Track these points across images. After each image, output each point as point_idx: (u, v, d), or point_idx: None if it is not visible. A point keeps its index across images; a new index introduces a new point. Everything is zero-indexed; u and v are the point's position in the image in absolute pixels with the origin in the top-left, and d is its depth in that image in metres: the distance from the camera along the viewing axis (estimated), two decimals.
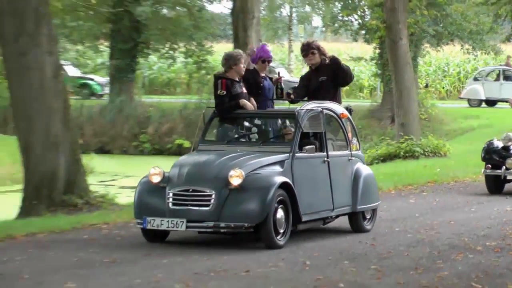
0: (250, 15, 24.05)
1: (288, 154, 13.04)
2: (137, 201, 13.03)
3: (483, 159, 20.57)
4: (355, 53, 59.93)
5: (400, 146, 31.20)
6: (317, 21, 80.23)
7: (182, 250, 13.06)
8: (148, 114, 52.54)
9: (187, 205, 12.50)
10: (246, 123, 13.97)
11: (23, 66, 18.21)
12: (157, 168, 13.12)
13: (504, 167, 19.44)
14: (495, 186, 20.24)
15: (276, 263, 11.90)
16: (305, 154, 13.28)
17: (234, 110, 13.87)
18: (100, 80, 56.96)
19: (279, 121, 14.24)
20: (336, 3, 53.09)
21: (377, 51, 47.86)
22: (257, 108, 14.03)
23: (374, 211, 15.29)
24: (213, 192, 12.37)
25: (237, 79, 13.71)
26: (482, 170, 20.26)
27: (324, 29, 73.97)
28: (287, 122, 13.82)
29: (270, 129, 14.15)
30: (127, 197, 23.24)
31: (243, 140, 13.91)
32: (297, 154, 13.15)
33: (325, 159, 13.72)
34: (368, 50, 53.89)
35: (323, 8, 65.35)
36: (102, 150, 49.46)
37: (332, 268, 11.74)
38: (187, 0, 52.62)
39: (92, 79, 57.64)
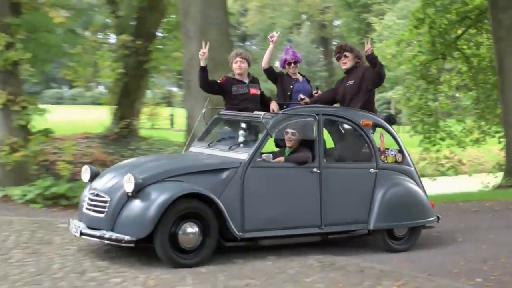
0: None
1: (240, 161, 9.29)
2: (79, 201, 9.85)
3: None
4: None
5: None
6: None
7: None
8: None
9: (90, 209, 9.13)
10: (228, 127, 10.59)
11: None
12: (86, 166, 10.01)
13: None
14: None
15: None
16: (271, 163, 9.53)
17: (209, 83, 10.48)
18: None
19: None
20: None
21: None
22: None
23: (414, 230, 10.55)
24: (109, 198, 8.88)
25: (242, 80, 10.48)
26: None
27: None
28: (291, 128, 9.92)
29: (249, 133, 10.04)
30: None
31: (222, 143, 10.09)
32: (258, 162, 9.35)
33: (314, 169, 9.74)
34: None
35: None
36: None
37: None
38: None
39: None
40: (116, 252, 9.43)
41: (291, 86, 10.93)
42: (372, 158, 10.39)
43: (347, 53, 10.85)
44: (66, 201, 13.42)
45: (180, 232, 8.77)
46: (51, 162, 16.58)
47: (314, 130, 10.03)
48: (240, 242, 9.36)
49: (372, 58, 10.40)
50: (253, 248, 9.84)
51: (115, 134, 22.46)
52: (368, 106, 10.66)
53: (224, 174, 9.24)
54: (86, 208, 9.23)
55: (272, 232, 9.56)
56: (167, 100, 46.07)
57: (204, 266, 8.86)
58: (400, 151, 10.75)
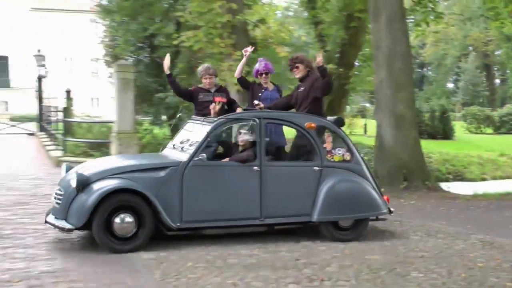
0: None
1: (180, 161, 8.27)
2: None
3: None
4: None
5: None
6: None
7: None
8: None
9: (55, 201, 8.32)
10: (187, 129, 9.31)
11: None
12: (63, 164, 9.28)
13: None
14: None
15: None
16: (209, 162, 8.39)
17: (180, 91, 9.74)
18: None
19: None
20: None
21: None
22: None
23: (360, 221, 8.88)
24: (64, 191, 8.15)
25: (209, 90, 9.53)
26: None
27: None
28: (242, 130, 8.78)
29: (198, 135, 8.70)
30: None
31: (181, 145, 8.90)
32: (197, 161, 8.22)
33: (254, 168, 8.40)
34: None
35: None
36: None
37: None
38: None
39: None
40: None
41: (260, 94, 9.73)
42: (317, 157, 8.76)
43: (298, 64, 9.44)
44: None
45: (115, 221, 7.86)
46: None
47: (255, 133, 8.67)
48: (182, 231, 8.32)
49: (322, 70, 9.02)
50: (422, 227, 9.64)
51: None
52: (316, 110, 9.12)
53: (165, 172, 8.18)
54: (54, 201, 8.39)
55: (212, 223, 8.41)
56: (362, 113, 45.94)
57: (388, 240, 8.79)
58: (349, 150, 9.00)
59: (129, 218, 7.93)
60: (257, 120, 8.66)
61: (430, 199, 13.04)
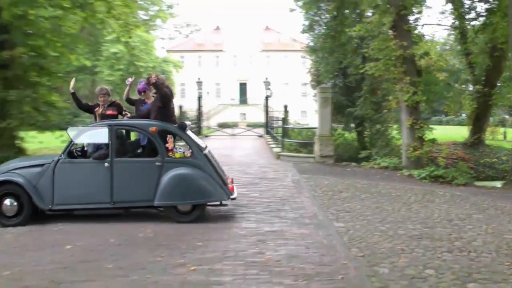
0: None
1: (53, 159, 7.92)
2: None
3: None
4: None
5: None
6: None
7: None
8: None
9: None
10: None
11: None
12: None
13: None
14: None
15: None
16: (72, 160, 7.95)
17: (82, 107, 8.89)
18: None
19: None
20: None
21: None
22: None
23: (197, 207, 7.86)
24: None
25: (103, 104, 8.82)
26: None
27: None
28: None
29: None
30: None
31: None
32: (63, 159, 7.88)
33: (106, 164, 7.76)
34: None
35: None
36: None
37: None
38: None
39: None
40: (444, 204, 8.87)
41: (141, 107, 8.97)
42: (159, 154, 7.87)
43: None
44: (442, 179, 12.92)
45: (5, 203, 7.82)
46: (434, 157, 16.15)
47: (106, 137, 7.94)
48: (56, 211, 7.93)
49: (155, 86, 8.13)
50: None
51: (470, 143, 21.30)
52: (162, 117, 8.16)
53: (42, 168, 7.89)
54: None
55: (76, 206, 7.90)
56: (502, 123, 42.27)
57: (494, 222, 7.99)
58: (190, 148, 8.00)
59: (11, 202, 7.87)
60: (110, 127, 8.01)
61: None
